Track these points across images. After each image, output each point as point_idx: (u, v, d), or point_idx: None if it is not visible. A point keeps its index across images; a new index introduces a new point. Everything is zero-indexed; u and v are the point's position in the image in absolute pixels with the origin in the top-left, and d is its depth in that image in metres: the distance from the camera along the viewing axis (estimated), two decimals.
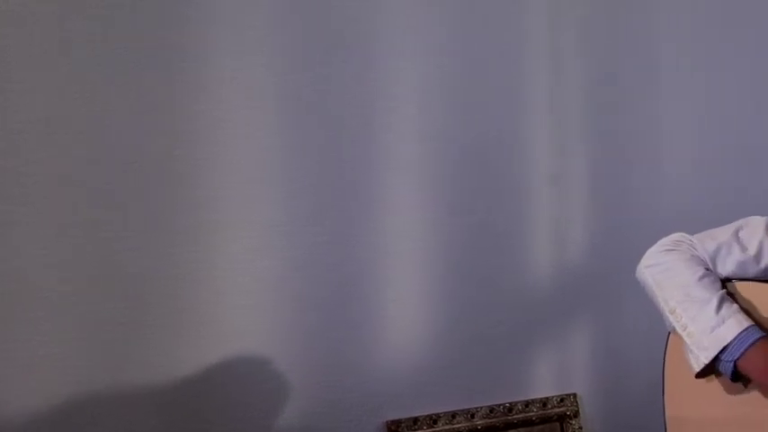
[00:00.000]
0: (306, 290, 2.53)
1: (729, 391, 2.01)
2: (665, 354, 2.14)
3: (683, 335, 1.99)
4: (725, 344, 1.93)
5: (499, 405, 2.74)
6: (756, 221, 2.05)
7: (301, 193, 2.52)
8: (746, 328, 1.92)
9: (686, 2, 3.05)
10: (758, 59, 3.14)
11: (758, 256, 2.01)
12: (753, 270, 2.03)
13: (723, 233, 2.07)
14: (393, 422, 2.60)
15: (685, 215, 2.86)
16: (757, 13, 3.14)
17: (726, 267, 2.05)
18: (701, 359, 1.96)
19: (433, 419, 2.65)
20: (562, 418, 2.81)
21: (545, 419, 2.79)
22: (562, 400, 2.82)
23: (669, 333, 2.12)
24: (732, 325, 1.93)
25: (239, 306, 2.45)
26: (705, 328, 1.95)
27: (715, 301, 1.96)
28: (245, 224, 2.46)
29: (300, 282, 2.52)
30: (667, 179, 2.99)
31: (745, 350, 1.91)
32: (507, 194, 2.78)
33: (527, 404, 2.77)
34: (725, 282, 2.05)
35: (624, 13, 2.95)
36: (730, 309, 1.96)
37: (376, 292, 2.61)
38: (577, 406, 2.83)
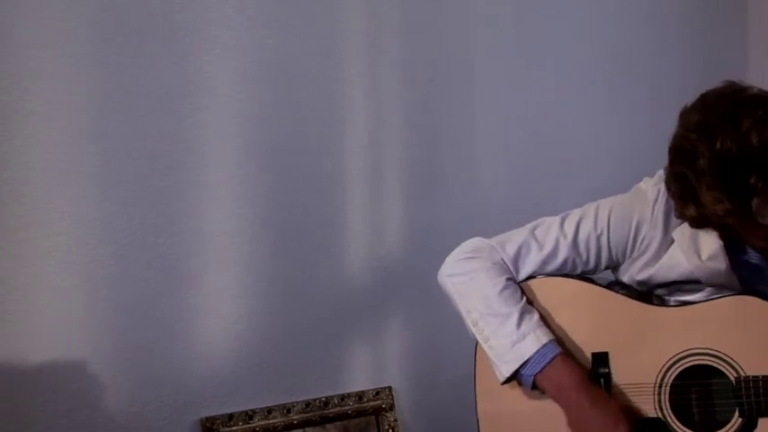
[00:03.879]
0: (119, 287, 2.47)
1: None
2: (476, 348, 2.18)
3: (485, 347, 2.05)
4: (525, 359, 1.99)
5: (315, 399, 2.75)
6: (550, 219, 2.12)
7: (113, 188, 2.45)
8: (545, 344, 2.00)
9: None
10: (578, 57, 3.22)
11: (555, 252, 2.08)
12: (551, 266, 2.10)
13: (520, 234, 2.13)
14: (208, 419, 2.58)
15: (499, 211, 2.96)
16: (571, 8, 3.21)
17: (526, 267, 2.11)
18: (502, 372, 2.03)
19: (248, 415, 2.64)
20: (378, 412, 2.84)
21: (361, 413, 2.82)
22: (377, 393, 2.85)
23: None
24: (532, 341, 2.00)
25: (48, 304, 2.38)
26: (506, 343, 2.01)
27: (516, 316, 2.01)
28: (54, 220, 2.37)
29: (113, 279, 2.46)
30: (482, 175, 3.04)
31: (544, 366, 1.98)
32: (324, 190, 2.78)
33: (343, 398, 2.80)
34: (527, 279, 2.12)
35: (441, 7, 2.97)
36: (530, 323, 2.02)
37: (190, 289, 2.57)
38: (392, 399, 2.87)
